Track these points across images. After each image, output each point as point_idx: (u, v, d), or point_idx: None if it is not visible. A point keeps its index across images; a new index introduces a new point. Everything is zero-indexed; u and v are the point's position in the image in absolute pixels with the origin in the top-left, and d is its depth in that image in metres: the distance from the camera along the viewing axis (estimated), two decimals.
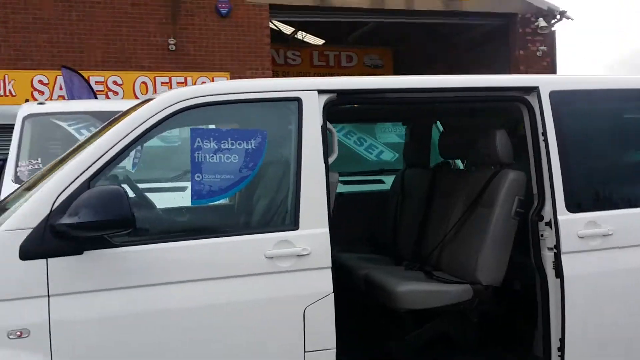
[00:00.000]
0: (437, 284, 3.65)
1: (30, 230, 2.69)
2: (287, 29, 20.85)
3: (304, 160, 3.07)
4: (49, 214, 2.71)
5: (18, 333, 2.66)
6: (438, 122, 5.33)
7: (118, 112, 3.38)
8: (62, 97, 12.15)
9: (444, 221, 3.95)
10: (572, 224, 3.27)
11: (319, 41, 21.88)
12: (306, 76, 17.60)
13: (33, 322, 2.68)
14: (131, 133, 2.89)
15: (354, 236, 4.82)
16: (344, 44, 18.37)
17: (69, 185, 2.76)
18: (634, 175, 3.65)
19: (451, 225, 3.85)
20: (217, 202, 3.14)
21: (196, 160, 2.96)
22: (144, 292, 2.81)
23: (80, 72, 12.12)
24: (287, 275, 2.98)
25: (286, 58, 17.68)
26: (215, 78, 13.00)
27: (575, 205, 3.30)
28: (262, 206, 3.19)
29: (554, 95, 3.37)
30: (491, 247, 3.55)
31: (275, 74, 17.40)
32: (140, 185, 3.92)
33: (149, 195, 3.75)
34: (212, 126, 3.21)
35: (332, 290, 3.02)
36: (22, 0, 12.01)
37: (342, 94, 3.24)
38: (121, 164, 3.27)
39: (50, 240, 2.69)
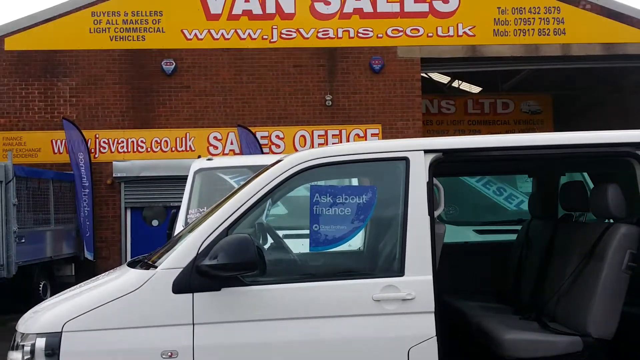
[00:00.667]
0: (545, 334, 3.75)
1: (181, 269, 3.33)
2: (443, 79, 21.21)
3: (410, 213, 3.42)
4: (195, 257, 3.33)
5: (169, 354, 3.27)
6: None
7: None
8: (233, 151, 13.57)
9: (561, 273, 4.03)
10: None
11: (476, 89, 21.91)
12: (460, 124, 17.82)
13: (181, 345, 3.28)
14: (262, 190, 3.46)
15: (479, 284, 5.00)
16: (500, 91, 18.27)
17: (212, 233, 3.37)
18: None
19: (566, 277, 3.93)
20: (328, 250, 3.58)
21: (314, 212, 3.44)
22: (269, 325, 3.30)
23: (249, 128, 13.48)
24: (392, 317, 3.31)
25: (440, 107, 17.98)
26: (367, 130, 13.73)
27: None
28: (371, 254, 3.58)
29: None
30: (601, 300, 3.59)
31: (429, 123, 17.80)
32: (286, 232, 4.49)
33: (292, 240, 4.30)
34: (331, 183, 3.68)
35: (435, 334, 3.29)
36: (203, 69, 13.71)
37: (447, 152, 3.57)
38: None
39: (195, 278, 3.29)
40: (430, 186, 3.48)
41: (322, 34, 13.72)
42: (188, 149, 13.62)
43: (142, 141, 13.60)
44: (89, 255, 12.72)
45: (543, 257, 4.42)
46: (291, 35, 13.72)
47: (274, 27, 13.71)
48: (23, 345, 3.36)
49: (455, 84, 21.93)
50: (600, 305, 3.61)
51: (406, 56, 13.74)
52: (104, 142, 13.59)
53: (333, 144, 13.66)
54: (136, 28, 13.65)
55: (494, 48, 13.75)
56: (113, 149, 13.59)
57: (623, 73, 15.91)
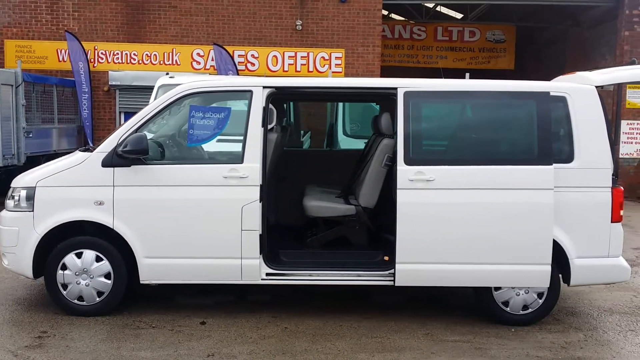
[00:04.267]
0: (334, 203, 5.95)
1: (107, 153, 5.47)
2: (430, 3, 22.50)
3: (250, 125, 5.48)
4: (115, 146, 5.45)
5: (99, 203, 5.46)
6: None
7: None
8: (213, 67, 15.48)
9: (362, 169, 6.18)
10: (407, 172, 5.33)
11: (458, 15, 23.24)
12: (429, 50, 19.39)
13: (106, 198, 5.46)
14: (159, 106, 5.54)
15: (342, 179, 7.09)
16: (467, 20, 19.68)
17: (126, 132, 5.49)
18: (452, 146, 5.57)
19: (362, 171, 6.07)
20: (199, 145, 5.68)
21: (191, 122, 5.52)
22: (158, 188, 5.45)
23: (226, 47, 15.32)
24: (234, 187, 5.44)
25: (412, 33, 19.51)
26: (332, 54, 15.53)
27: (409, 160, 5.35)
28: (224, 149, 5.70)
29: (406, 93, 5.41)
30: (367, 184, 5.78)
31: (400, 48, 19.40)
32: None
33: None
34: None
35: (259, 199, 5.44)
36: None
37: (278, 88, 5.59)
38: None
39: (115, 159, 5.43)
40: (265, 109, 5.52)
41: None
42: (174, 62, 15.56)
43: (134, 54, 15.54)
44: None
45: (363, 160, 6.53)
46: None
47: None
48: (14, 195, 5.60)
49: (439, 9, 23.28)
50: (367, 187, 5.78)
51: None
52: (101, 53, 15.55)
53: (301, 65, 15.56)
54: None
55: None
56: (110, 60, 15.57)
57: (581, 9, 17.27)
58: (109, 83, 15.39)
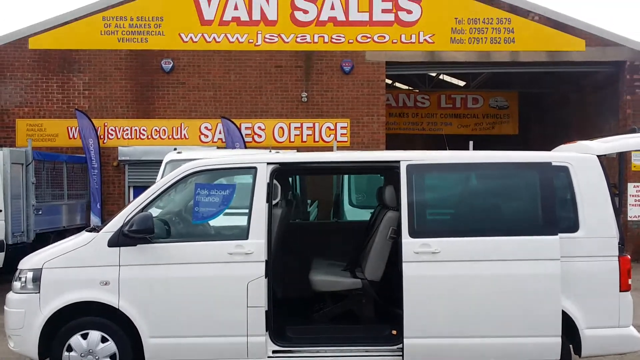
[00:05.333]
0: (339, 277, 5.91)
1: (113, 233, 5.51)
2: (433, 73, 22.99)
3: (255, 201, 5.53)
4: (122, 225, 5.50)
5: (104, 283, 5.47)
6: None
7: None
8: (221, 140, 15.74)
9: (368, 241, 6.17)
10: (412, 245, 5.33)
11: (461, 83, 23.70)
12: (434, 118, 19.66)
13: (112, 278, 5.47)
14: (163, 186, 5.63)
15: (349, 251, 7.07)
16: (470, 87, 20.05)
17: (132, 211, 5.54)
18: (456, 217, 5.58)
19: (368, 244, 6.07)
20: (204, 222, 5.72)
21: (196, 199, 5.58)
22: (163, 267, 5.46)
23: (234, 120, 15.62)
24: (239, 264, 5.45)
25: (416, 101, 19.85)
26: (337, 124, 15.80)
27: (414, 233, 5.35)
28: (229, 225, 5.73)
29: (409, 166, 5.47)
30: (373, 257, 5.76)
31: (405, 116, 19.72)
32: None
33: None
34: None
35: (264, 274, 5.42)
36: (196, 67, 15.86)
37: (282, 164, 5.67)
38: None
39: (121, 238, 5.47)
40: (270, 185, 5.58)
41: (300, 39, 15.74)
42: (183, 137, 15.85)
43: (143, 129, 15.86)
44: (94, 219, 14.93)
45: (368, 231, 6.54)
46: (273, 39, 15.77)
47: (258, 32, 15.78)
48: (20, 277, 5.62)
49: (442, 77, 23.76)
50: (372, 260, 5.76)
51: (373, 60, 15.70)
52: (111, 129, 15.88)
53: (307, 135, 15.82)
54: (140, 31, 15.83)
55: (450, 54, 15.61)
56: (119, 136, 15.88)
57: (582, 74, 17.58)
58: (119, 158, 15.64)
